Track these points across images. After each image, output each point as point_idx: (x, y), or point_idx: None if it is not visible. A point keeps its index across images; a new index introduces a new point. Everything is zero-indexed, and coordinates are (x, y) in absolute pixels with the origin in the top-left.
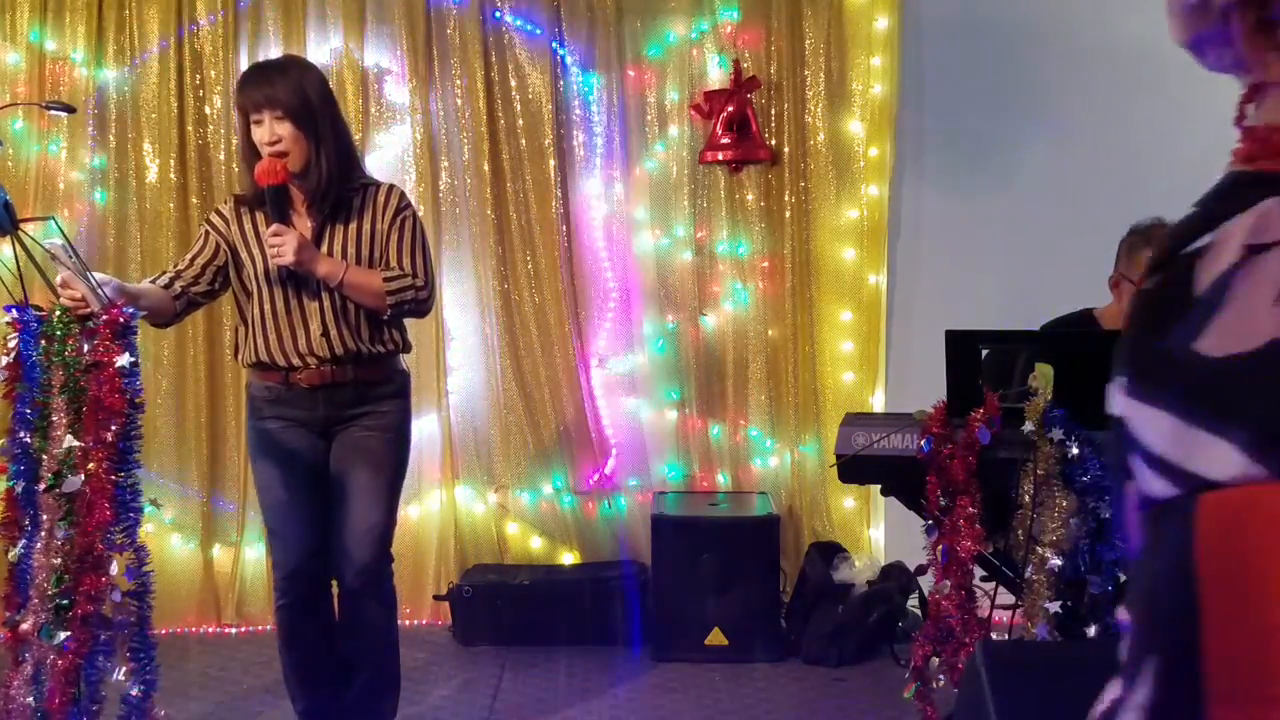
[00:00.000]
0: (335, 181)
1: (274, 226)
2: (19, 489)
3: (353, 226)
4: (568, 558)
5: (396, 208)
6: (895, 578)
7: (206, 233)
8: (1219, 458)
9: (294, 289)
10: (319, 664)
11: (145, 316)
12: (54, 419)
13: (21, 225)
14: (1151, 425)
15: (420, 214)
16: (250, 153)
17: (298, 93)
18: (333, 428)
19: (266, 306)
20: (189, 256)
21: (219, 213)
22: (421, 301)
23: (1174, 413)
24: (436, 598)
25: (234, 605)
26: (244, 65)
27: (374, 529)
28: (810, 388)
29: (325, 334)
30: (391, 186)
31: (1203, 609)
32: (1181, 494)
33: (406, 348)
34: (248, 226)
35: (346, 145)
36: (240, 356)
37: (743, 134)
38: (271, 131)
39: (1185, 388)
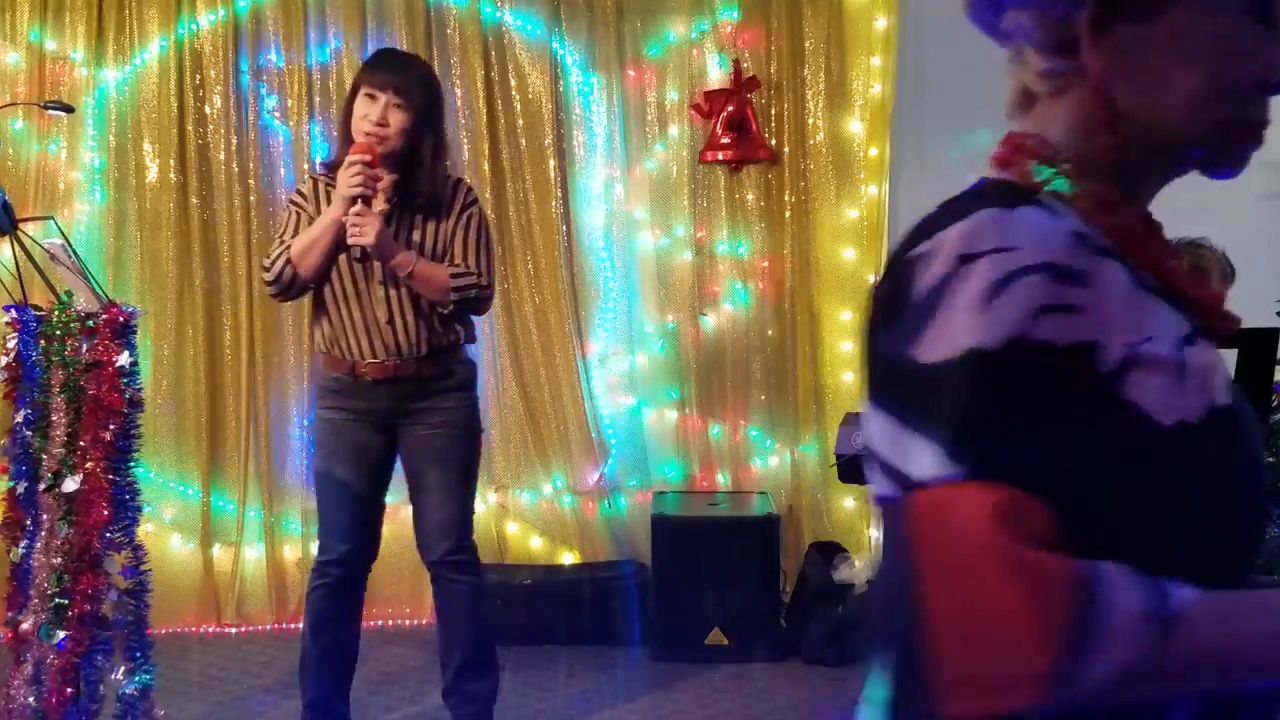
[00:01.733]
0: (433, 191)
1: (359, 206)
2: (20, 489)
3: (419, 218)
4: (568, 558)
5: (464, 203)
6: None
7: (297, 212)
8: (922, 459)
9: (362, 274)
10: (339, 654)
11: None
12: (54, 419)
13: (21, 225)
14: (876, 426)
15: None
16: (347, 133)
17: (425, 92)
18: (395, 421)
19: (337, 288)
20: (286, 237)
21: (300, 192)
22: (484, 300)
23: (891, 415)
24: None
25: (234, 605)
26: (244, 65)
27: (445, 523)
28: (810, 388)
29: (391, 321)
30: (460, 181)
31: (926, 603)
32: (899, 493)
33: (470, 338)
34: (325, 207)
35: (444, 156)
36: (313, 338)
37: (743, 134)
38: (384, 113)
39: (900, 391)
